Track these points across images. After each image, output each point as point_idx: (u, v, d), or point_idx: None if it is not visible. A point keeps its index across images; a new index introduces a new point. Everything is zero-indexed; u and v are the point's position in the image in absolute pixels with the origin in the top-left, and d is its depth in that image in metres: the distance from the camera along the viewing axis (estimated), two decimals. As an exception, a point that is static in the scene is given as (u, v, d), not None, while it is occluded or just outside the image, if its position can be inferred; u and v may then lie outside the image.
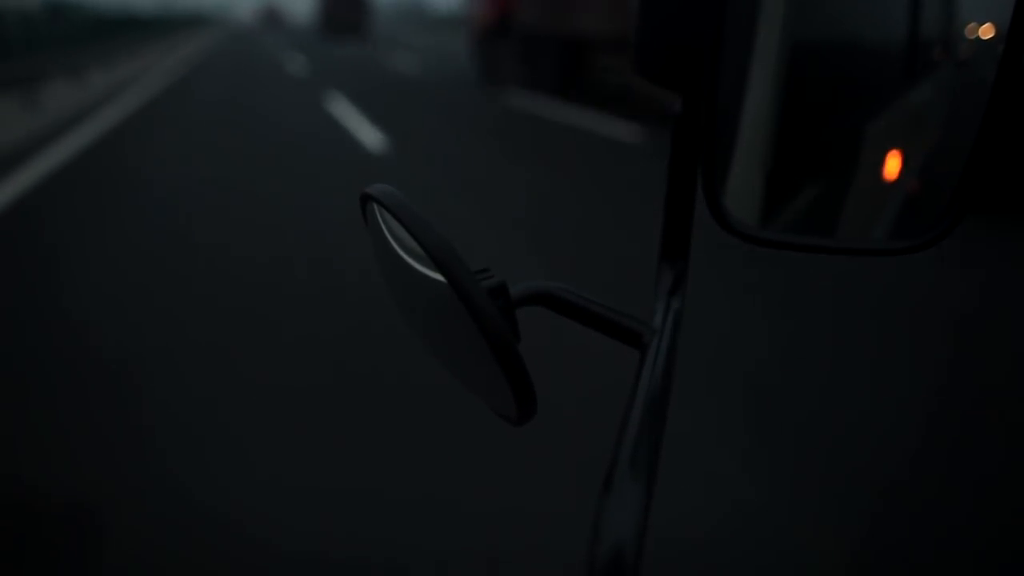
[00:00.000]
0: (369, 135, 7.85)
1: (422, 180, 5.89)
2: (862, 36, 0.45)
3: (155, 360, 2.76)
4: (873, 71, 0.46)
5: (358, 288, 3.35)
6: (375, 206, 0.45)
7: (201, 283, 3.58)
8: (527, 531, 1.86)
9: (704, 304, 2.73)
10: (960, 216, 0.46)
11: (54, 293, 3.39)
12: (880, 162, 0.47)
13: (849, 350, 2.98)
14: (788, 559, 1.82)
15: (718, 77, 0.42)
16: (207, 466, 2.10)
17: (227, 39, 32.68)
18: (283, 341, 2.95)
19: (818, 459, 2.22)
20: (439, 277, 0.40)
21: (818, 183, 0.48)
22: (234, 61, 19.07)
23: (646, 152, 7.04)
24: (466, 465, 2.13)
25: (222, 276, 3.68)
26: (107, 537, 1.85)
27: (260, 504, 1.94)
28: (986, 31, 0.44)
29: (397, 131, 8.07)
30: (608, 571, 0.35)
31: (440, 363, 0.49)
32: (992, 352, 3.02)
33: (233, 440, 2.25)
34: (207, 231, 4.45)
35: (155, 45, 22.01)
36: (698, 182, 0.46)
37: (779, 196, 0.47)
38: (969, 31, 0.46)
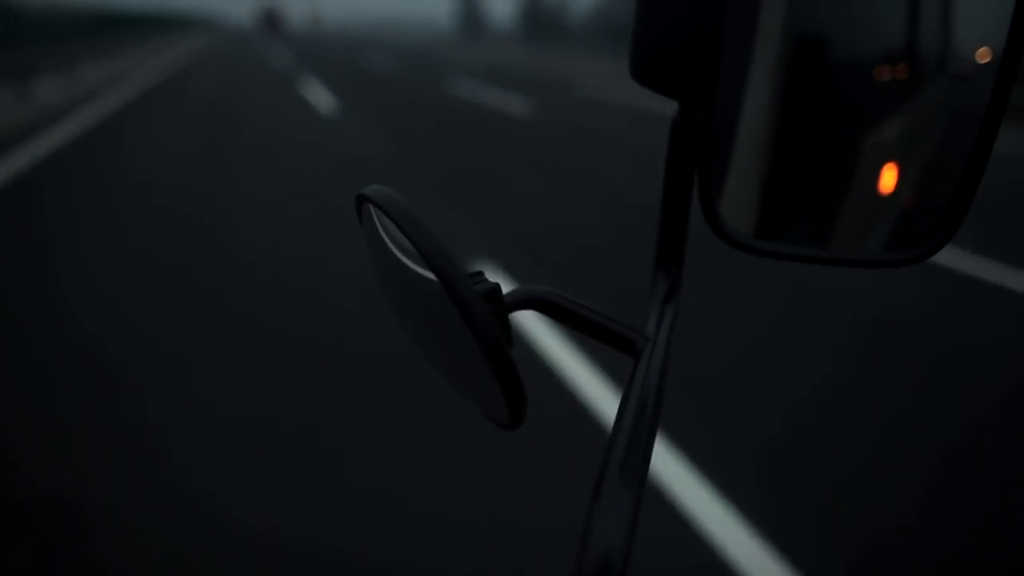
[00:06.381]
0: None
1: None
2: (861, 47, 0.45)
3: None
4: (871, 82, 0.46)
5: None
6: (371, 207, 0.45)
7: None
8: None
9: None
10: (954, 230, 0.46)
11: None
12: (876, 174, 0.47)
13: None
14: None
15: (716, 85, 0.42)
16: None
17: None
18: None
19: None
20: (433, 280, 0.40)
21: (814, 193, 0.48)
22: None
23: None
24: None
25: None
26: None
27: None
28: (983, 55, 0.44)
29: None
30: None
31: (432, 365, 0.49)
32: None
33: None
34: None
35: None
36: (694, 190, 0.46)
37: (775, 205, 0.47)
38: (966, 50, 0.46)
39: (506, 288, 0.45)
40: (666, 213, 0.48)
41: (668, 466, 2.37)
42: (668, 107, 0.45)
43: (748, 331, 3.51)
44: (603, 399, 2.76)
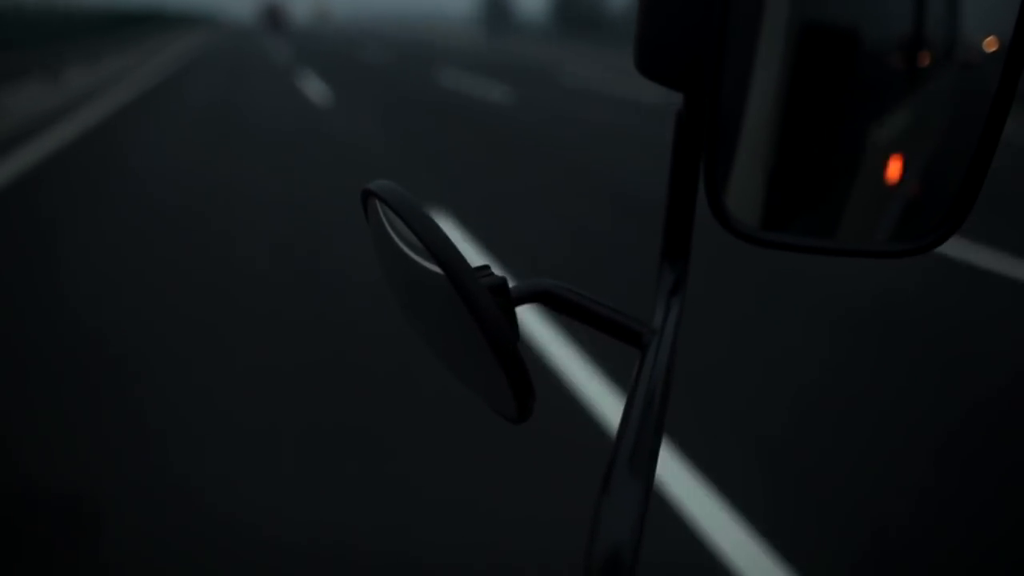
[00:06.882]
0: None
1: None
2: (867, 37, 0.45)
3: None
4: (877, 72, 0.46)
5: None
6: (377, 202, 0.45)
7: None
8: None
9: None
10: (961, 220, 0.46)
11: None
12: (883, 164, 0.47)
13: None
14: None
15: (721, 76, 0.42)
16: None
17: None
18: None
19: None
20: (440, 274, 0.40)
21: (820, 184, 0.48)
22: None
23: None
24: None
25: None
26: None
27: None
28: (990, 44, 0.44)
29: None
30: (606, 570, 0.35)
31: (440, 360, 0.49)
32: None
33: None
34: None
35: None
36: (700, 182, 0.46)
37: (781, 196, 0.47)
38: (974, 39, 0.46)
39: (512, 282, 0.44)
40: (672, 206, 0.48)
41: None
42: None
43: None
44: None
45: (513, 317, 0.43)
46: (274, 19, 62.91)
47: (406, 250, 0.43)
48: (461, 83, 15.42)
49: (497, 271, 0.42)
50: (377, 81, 15.97)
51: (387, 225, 0.45)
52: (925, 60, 0.46)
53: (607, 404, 2.71)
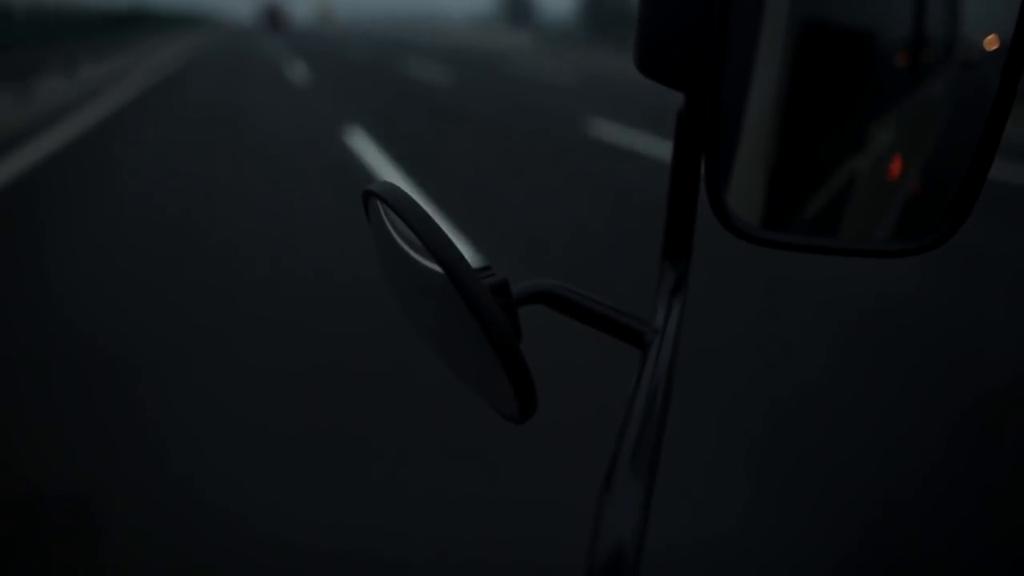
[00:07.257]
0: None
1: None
2: (868, 36, 0.45)
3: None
4: (878, 71, 0.46)
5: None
6: (378, 203, 0.45)
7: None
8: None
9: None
10: (962, 219, 0.46)
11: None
12: (884, 163, 0.47)
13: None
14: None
15: (722, 75, 0.42)
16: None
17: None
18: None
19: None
20: (442, 275, 0.40)
21: (821, 183, 0.48)
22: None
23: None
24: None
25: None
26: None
27: None
28: (991, 42, 0.44)
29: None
30: (608, 568, 0.35)
31: (442, 361, 0.49)
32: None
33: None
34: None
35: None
36: (701, 181, 0.46)
37: (782, 196, 0.47)
38: (975, 37, 0.46)
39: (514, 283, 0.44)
40: (673, 205, 0.48)
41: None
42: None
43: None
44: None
45: (514, 317, 0.43)
46: (273, 20, 62.75)
47: (407, 250, 0.43)
48: (643, 147, 7.53)
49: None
50: (485, 137, 8.55)
51: (388, 225, 0.45)
52: (926, 59, 0.46)
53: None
